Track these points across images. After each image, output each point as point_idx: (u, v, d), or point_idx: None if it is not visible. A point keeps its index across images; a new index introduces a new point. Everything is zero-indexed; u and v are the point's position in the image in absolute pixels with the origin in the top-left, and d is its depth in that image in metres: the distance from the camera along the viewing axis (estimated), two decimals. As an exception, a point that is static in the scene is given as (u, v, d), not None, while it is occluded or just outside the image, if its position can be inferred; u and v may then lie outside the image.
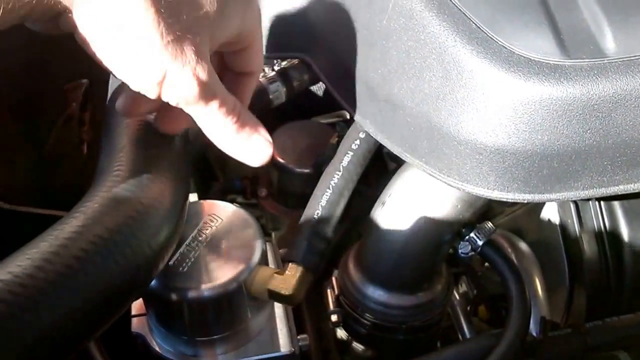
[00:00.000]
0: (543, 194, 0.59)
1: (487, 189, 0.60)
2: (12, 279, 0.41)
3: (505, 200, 0.61)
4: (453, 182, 0.62)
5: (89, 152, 1.07)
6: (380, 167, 0.87)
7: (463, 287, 0.93)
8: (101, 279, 0.45)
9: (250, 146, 0.56)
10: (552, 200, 0.60)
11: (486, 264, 0.85)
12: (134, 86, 0.47)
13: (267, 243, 0.77)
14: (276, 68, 0.88)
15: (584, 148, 0.56)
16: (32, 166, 0.97)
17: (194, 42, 0.46)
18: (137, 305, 0.73)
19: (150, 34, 0.44)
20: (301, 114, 1.02)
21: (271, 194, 0.99)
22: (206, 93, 0.49)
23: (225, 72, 0.59)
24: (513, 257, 0.77)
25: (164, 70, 0.46)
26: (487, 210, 0.78)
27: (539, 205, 0.84)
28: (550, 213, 0.82)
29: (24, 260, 0.43)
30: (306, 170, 0.91)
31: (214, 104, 0.51)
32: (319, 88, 1.05)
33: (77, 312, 0.43)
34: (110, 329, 0.49)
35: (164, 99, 0.48)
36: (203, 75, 0.47)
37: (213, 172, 1.07)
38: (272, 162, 0.93)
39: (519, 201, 0.60)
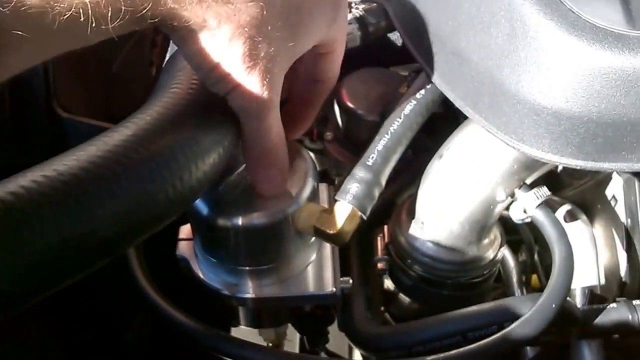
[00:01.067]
0: (596, 162, 0.62)
1: (542, 150, 0.64)
2: (57, 177, 0.45)
3: (557, 164, 0.65)
4: (509, 141, 0.66)
5: (157, 75, 1.12)
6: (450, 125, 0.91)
7: (523, 256, 0.98)
8: (144, 188, 0.50)
9: (265, 178, 0.66)
10: (604, 170, 0.63)
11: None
12: (208, 84, 0.56)
13: (324, 185, 0.83)
14: (353, 10, 0.93)
15: None
16: (100, 83, 1.03)
17: (269, 70, 0.55)
18: (185, 230, 0.79)
19: (234, 61, 0.53)
20: (379, 62, 1.06)
21: (337, 139, 1.04)
22: (262, 115, 0.58)
23: (301, 78, 0.67)
24: (568, 226, 0.81)
25: (234, 85, 0.55)
26: (555, 182, 0.82)
27: (606, 180, 0.87)
28: (616, 189, 0.85)
29: (71, 161, 0.47)
30: (374, 119, 0.96)
31: (264, 125, 0.59)
32: (398, 38, 1.09)
33: (115, 216, 0.47)
34: (157, 252, 0.54)
35: (228, 102, 0.57)
36: (266, 96, 0.56)
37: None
38: (342, 106, 0.99)
39: (571, 166, 0.64)
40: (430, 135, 0.90)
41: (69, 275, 0.47)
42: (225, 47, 0.53)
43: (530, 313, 0.69)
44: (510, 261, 0.91)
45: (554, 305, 0.68)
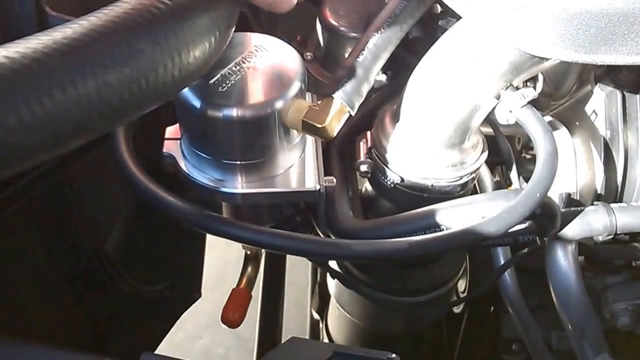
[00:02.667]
0: (588, 54, 0.64)
1: (535, 45, 0.66)
2: (60, 40, 0.47)
3: (550, 57, 0.67)
4: (501, 36, 0.68)
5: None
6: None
7: (496, 177, 1.00)
8: (143, 65, 0.51)
9: None
10: (596, 62, 0.65)
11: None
12: None
13: (309, 94, 0.84)
14: None
15: (633, 11, 0.61)
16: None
17: None
18: (171, 130, 0.81)
19: None
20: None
21: (317, 59, 1.05)
22: None
23: None
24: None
25: None
26: (535, 105, 0.84)
27: (586, 98, 0.89)
28: (596, 104, 0.87)
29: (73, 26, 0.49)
30: (357, 35, 0.96)
31: None
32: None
33: (109, 86, 0.49)
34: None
35: None
36: None
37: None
38: (324, 23, 0.99)
39: (564, 59, 0.65)
40: (411, 54, 0.92)
41: (71, 137, 0.49)
42: None
43: (515, 200, 0.71)
44: (487, 178, 0.93)
45: (537, 195, 0.70)
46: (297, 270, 2.15)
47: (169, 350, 2.47)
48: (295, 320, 2.19)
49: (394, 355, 0.52)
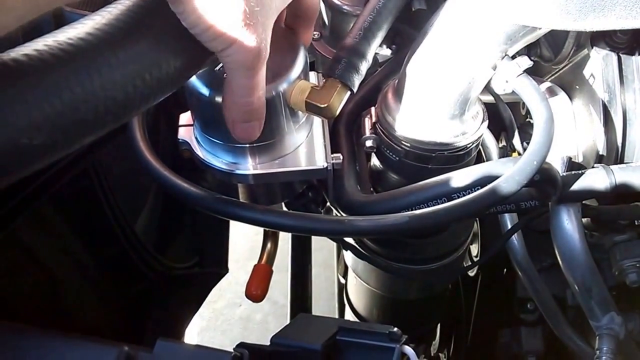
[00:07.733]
0: (577, 21, 0.62)
1: (525, 14, 0.64)
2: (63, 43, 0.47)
3: (540, 26, 0.65)
4: (495, 9, 0.66)
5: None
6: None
7: (503, 142, 0.98)
8: (146, 61, 0.51)
9: (245, 129, 0.66)
10: (586, 29, 0.63)
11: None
12: (203, 41, 0.54)
13: (314, 73, 0.83)
14: None
15: None
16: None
17: (265, 24, 0.56)
18: (184, 117, 0.81)
19: (233, 19, 0.53)
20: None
21: (323, 37, 1.04)
22: (256, 69, 0.58)
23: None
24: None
25: (232, 42, 0.54)
26: (535, 70, 0.82)
27: (584, 61, 0.87)
28: (594, 67, 0.85)
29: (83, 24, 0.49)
30: (359, 12, 0.95)
31: (254, 81, 0.59)
32: None
33: (124, 80, 0.49)
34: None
35: (219, 57, 0.56)
36: (262, 49, 0.56)
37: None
38: (328, 2, 0.98)
39: (553, 28, 0.64)
40: (415, 27, 0.90)
41: (80, 135, 0.48)
42: (225, 5, 0.52)
43: (512, 170, 0.69)
44: (492, 145, 0.92)
45: (535, 162, 0.69)
46: (324, 234, 2.17)
47: (212, 317, 2.53)
48: (325, 283, 2.20)
49: (395, 329, 0.52)
